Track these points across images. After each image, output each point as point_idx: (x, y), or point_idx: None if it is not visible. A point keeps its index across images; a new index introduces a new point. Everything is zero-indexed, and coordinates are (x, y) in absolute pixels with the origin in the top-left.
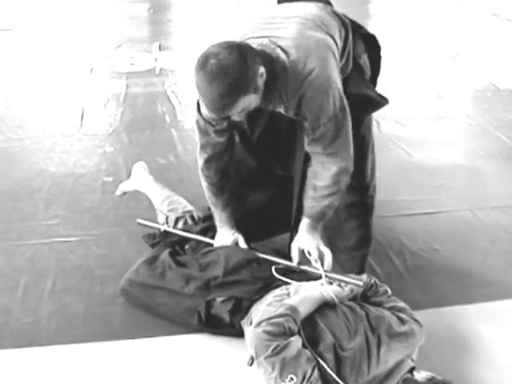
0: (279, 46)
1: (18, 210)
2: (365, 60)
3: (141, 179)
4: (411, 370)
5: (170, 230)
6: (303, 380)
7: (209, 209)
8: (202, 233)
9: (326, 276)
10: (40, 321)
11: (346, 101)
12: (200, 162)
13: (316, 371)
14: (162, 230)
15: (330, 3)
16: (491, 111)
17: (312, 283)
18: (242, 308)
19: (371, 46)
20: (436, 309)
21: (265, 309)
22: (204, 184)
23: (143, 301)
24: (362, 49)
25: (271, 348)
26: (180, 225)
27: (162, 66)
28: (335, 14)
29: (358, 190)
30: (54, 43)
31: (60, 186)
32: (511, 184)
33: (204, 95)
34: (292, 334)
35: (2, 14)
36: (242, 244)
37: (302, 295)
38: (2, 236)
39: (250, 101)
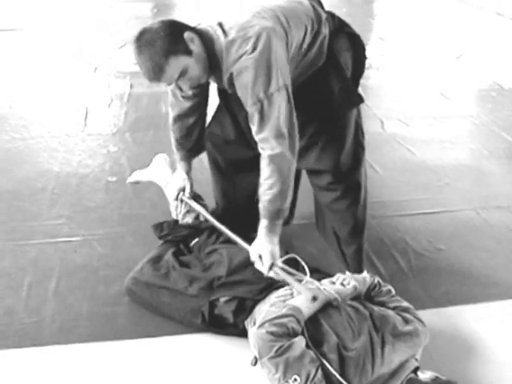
0: (222, 28)
1: (22, 209)
2: (346, 58)
3: (160, 171)
4: (415, 370)
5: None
6: (307, 380)
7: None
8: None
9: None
10: (44, 320)
11: (282, 88)
12: (169, 117)
13: (320, 371)
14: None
15: None
16: (495, 111)
17: (315, 283)
18: (245, 308)
19: (356, 45)
20: (440, 308)
21: (268, 309)
22: (171, 135)
23: (147, 300)
24: (344, 46)
25: (275, 349)
26: (190, 218)
27: None
28: (312, 8)
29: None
30: (58, 43)
31: (64, 186)
32: None
33: (139, 66)
34: (295, 335)
35: (7, 15)
36: (187, 192)
37: (305, 297)
38: (6, 236)
39: (184, 64)
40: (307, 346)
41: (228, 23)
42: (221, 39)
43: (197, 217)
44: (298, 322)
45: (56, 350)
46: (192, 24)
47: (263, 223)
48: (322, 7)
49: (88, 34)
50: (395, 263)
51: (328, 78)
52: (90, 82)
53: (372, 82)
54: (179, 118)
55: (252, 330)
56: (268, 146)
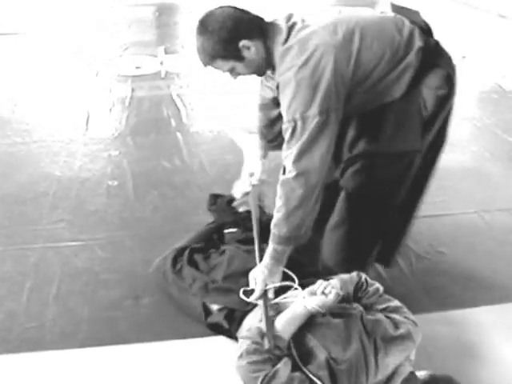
0: (289, 31)
1: (23, 213)
2: (429, 97)
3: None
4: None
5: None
6: None
7: None
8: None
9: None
10: (45, 325)
11: (323, 114)
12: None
13: None
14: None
15: (418, 23)
16: (497, 113)
17: (296, 298)
18: (235, 318)
19: (449, 85)
20: (441, 312)
21: (243, 335)
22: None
23: (165, 288)
24: (433, 84)
25: (260, 380)
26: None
27: (167, 69)
28: (408, 34)
29: None
30: (60, 47)
31: (65, 190)
32: None
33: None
34: (279, 358)
35: (9, 19)
36: (255, 178)
37: (287, 314)
38: (7, 240)
39: (232, 66)
40: (296, 365)
41: (298, 27)
42: (279, 45)
43: (249, 210)
44: (277, 347)
45: (57, 354)
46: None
47: (269, 247)
48: (427, 34)
49: (89, 37)
50: (397, 266)
51: (398, 115)
52: (92, 86)
53: None
54: (262, 107)
55: (234, 363)
56: (287, 166)
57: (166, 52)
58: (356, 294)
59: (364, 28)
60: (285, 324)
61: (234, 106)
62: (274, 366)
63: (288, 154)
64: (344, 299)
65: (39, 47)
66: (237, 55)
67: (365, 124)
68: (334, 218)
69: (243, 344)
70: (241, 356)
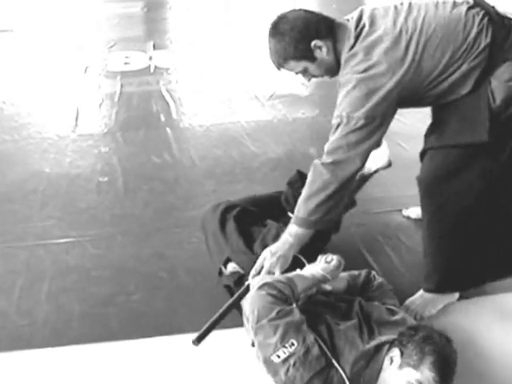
0: (357, 35)
1: (13, 211)
2: (499, 88)
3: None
4: None
5: None
6: (302, 346)
7: None
8: None
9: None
10: (36, 323)
11: (368, 119)
12: None
13: (312, 336)
14: None
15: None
16: None
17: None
18: (243, 284)
19: None
20: None
21: (264, 276)
22: None
23: (205, 231)
24: (504, 77)
25: (276, 310)
26: None
27: (156, 64)
28: (476, 33)
29: None
30: (48, 44)
31: (55, 187)
32: None
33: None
34: (290, 304)
35: None
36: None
37: (299, 274)
38: None
39: (304, 67)
40: None
41: (366, 32)
42: (346, 48)
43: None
44: (293, 292)
45: (49, 352)
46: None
47: (287, 228)
48: (499, 25)
49: (77, 33)
50: (388, 259)
51: (464, 111)
52: (81, 83)
53: None
54: None
55: (250, 294)
56: (324, 153)
57: (155, 47)
58: (362, 289)
59: (429, 34)
60: (298, 280)
61: (223, 100)
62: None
63: (328, 145)
64: (349, 291)
65: (27, 44)
66: (309, 55)
67: (433, 118)
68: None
69: (265, 278)
70: (262, 287)
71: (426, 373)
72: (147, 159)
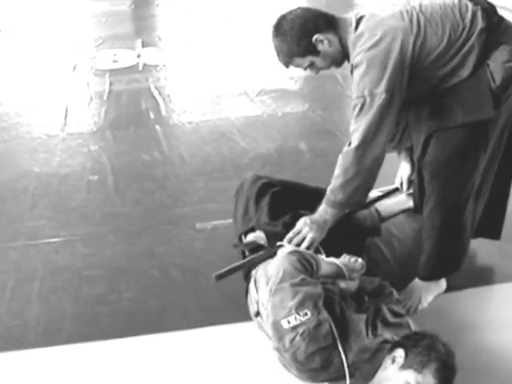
0: (357, 21)
1: (4, 212)
2: (497, 69)
3: None
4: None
5: None
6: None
7: None
8: None
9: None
10: (28, 323)
11: (388, 92)
12: None
13: (326, 313)
14: None
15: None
16: None
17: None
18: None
19: None
20: None
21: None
22: None
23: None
24: (501, 59)
25: (300, 277)
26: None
27: (145, 61)
28: (471, 17)
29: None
30: (36, 42)
31: (45, 187)
32: None
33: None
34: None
35: None
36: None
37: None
38: None
39: (310, 61)
40: None
41: (367, 17)
42: (351, 34)
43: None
44: (317, 270)
45: (41, 352)
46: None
47: (321, 208)
48: (492, 13)
49: (66, 32)
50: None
51: (467, 93)
52: (69, 81)
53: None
54: None
55: (281, 254)
56: (352, 138)
57: (144, 45)
58: (372, 293)
59: (429, 15)
60: (323, 263)
61: (212, 97)
62: None
63: (355, 128)
64: (359, 293)
65: (15, 43)
66: (312, 50)
67: (436, 104)
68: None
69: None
70: (293, 252)
71: (429, 378)
72: (137, 157)
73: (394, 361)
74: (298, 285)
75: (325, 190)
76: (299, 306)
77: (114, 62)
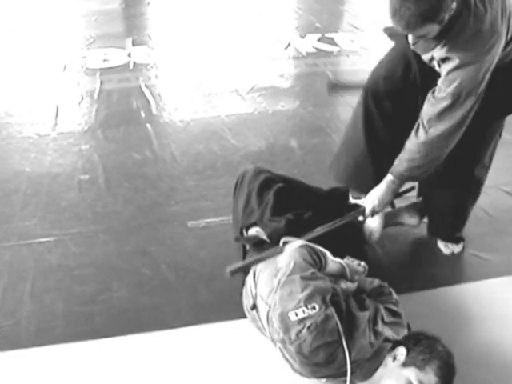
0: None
1: None
2: None
3: None
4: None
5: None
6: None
7: None
8: None
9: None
10: (20, 323)
11: (477, 95)
12: None
13: (333, 309)
14: None
15: None
16: None
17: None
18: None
19: None
20: (416, 292)
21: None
22: None
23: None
24: None
25: (311, 271)
26: None
27: (135, 60)
28: None
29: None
30: (26, 42)
31: (36, 186)
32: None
33: (394, 10)
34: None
35: None
36: None
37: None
38: None
39: (432, 30)
40: None
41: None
42: (479, 11)
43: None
44: (325, 266)
45: (34, 351)
46: None
47: (387, 178)
48: None
49: (55, 31)
50: (370, 248)
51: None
52: (60, 81)
53: (343, 69)
54: None
55: (294, 245)
56: (433, 124)
57: (134, 44)
58: (371, 293)
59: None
60: (329, 260)
61: (203, 95)
62: None
63: (438, 118)
64: (358, 294)
65: (4, 42)
66: (442, 18)
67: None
68: None
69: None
70: (305, 246)
71: (430, 376)
72: (128, 156)
73: (395, 359)
74: (308, 278)
75: (324, 190)
76: (308, 299)
77: (105, 61)
